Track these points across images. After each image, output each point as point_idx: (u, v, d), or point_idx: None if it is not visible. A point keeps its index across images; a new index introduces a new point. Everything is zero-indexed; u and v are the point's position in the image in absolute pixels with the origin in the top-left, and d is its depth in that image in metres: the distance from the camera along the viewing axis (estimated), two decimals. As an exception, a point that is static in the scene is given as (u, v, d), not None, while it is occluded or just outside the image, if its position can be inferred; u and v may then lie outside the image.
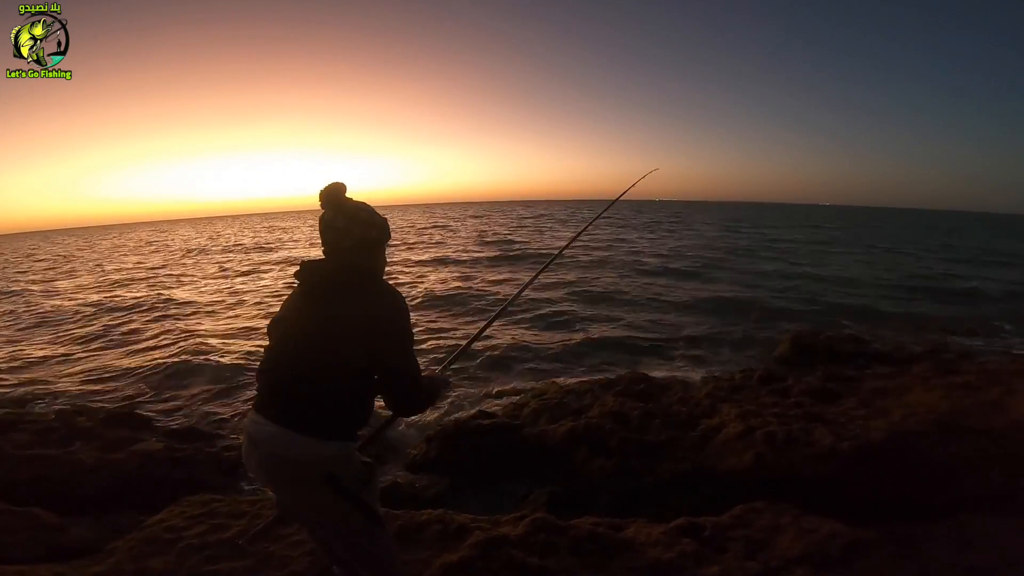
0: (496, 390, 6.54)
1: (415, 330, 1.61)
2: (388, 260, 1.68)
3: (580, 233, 3.53)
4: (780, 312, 11.17)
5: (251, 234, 49.01)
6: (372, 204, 1.56)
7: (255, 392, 1.54)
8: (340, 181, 1.51)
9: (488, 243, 27.32)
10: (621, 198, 3.92)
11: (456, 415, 5.36)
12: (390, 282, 1.58)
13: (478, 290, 13.99)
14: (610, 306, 11.83)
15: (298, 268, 1.53)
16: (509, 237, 30.71)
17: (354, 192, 1.52)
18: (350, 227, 1.49)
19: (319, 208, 1.50)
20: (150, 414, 5.79)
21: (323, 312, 1.44)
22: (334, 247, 1.51)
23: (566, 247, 3.32)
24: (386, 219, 1.59)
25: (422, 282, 15.42)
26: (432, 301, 12.56)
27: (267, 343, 1.57)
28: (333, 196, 1.49)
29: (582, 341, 8.88)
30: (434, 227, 43.30)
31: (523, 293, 2.49)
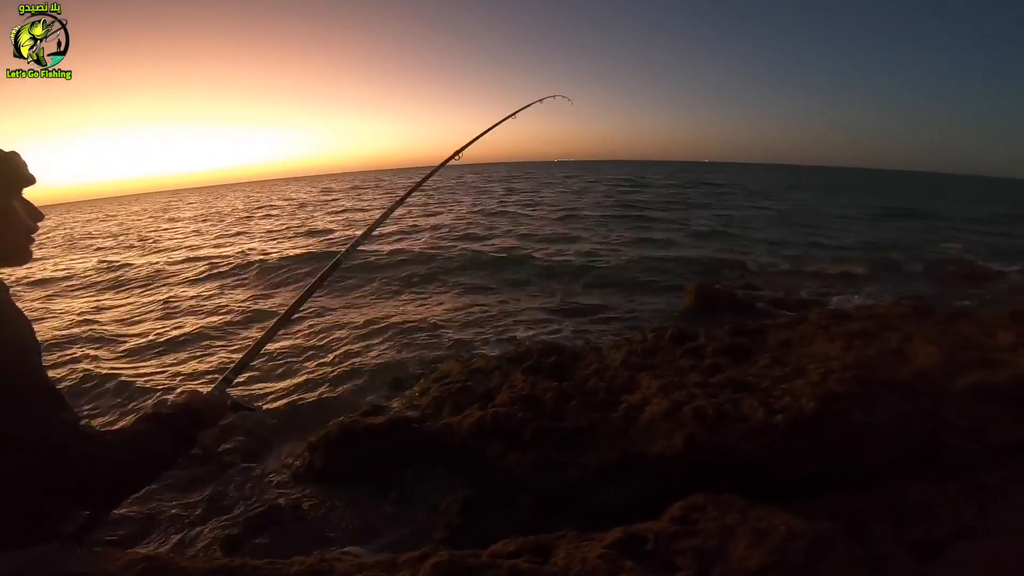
0: (389, 375, 5.67)
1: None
2: None
3: (413, 191, 2.40)
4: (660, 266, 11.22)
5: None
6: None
7: None
8: None
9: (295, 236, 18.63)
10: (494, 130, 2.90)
11: (345, 413, 4.47)
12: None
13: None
14: (512, 270, 11.18)
15: None
16: (330, 225, 21.19)
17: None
18: None
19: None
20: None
21: None
22: None
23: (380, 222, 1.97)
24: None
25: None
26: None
27: None
28: None
29: (476, 306, 8.21)
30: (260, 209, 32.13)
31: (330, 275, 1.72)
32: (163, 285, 11.27)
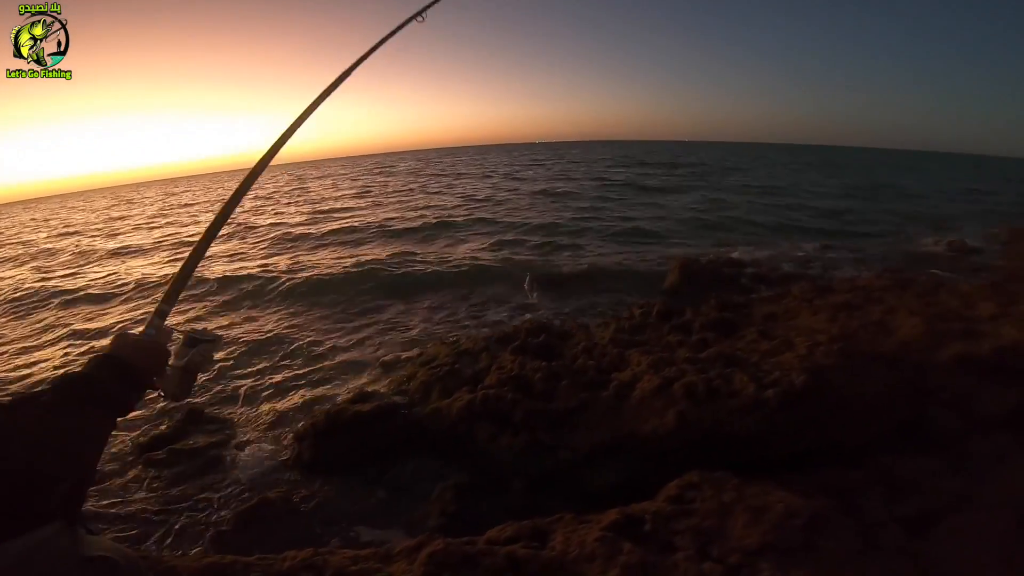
0: (376, 357, 5.56)
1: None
2: None
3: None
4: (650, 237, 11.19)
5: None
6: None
7: None
8: None
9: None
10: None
11: (332, 400, 4.37)
12: None
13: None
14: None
15: None
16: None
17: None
18: None
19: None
20: None
21: None
22: None
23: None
24: None
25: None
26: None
27: None
28: None
29: (460, 288, 8.11)
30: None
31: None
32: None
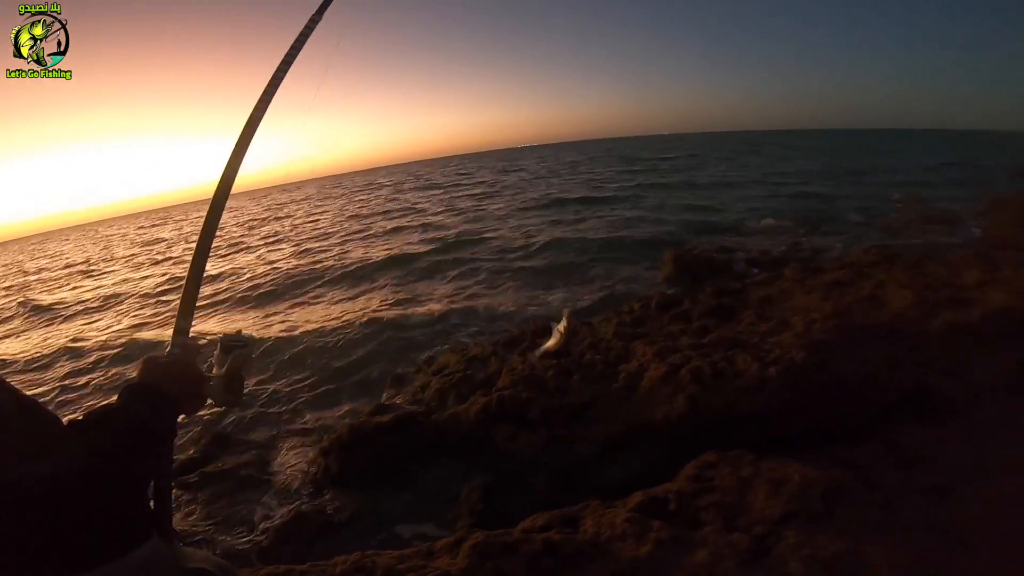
0: (386, 375, 5.63)
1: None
2: None
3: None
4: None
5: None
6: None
7: None
8: None
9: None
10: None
11: (351, 416, 4.47)
12: None
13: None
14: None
15: None
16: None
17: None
18: None
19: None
20: None
21: None
22: None
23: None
24: None
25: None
26: None
27: None
28: None
29: (456, 298, 8.19)
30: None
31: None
32: None
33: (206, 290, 11.03)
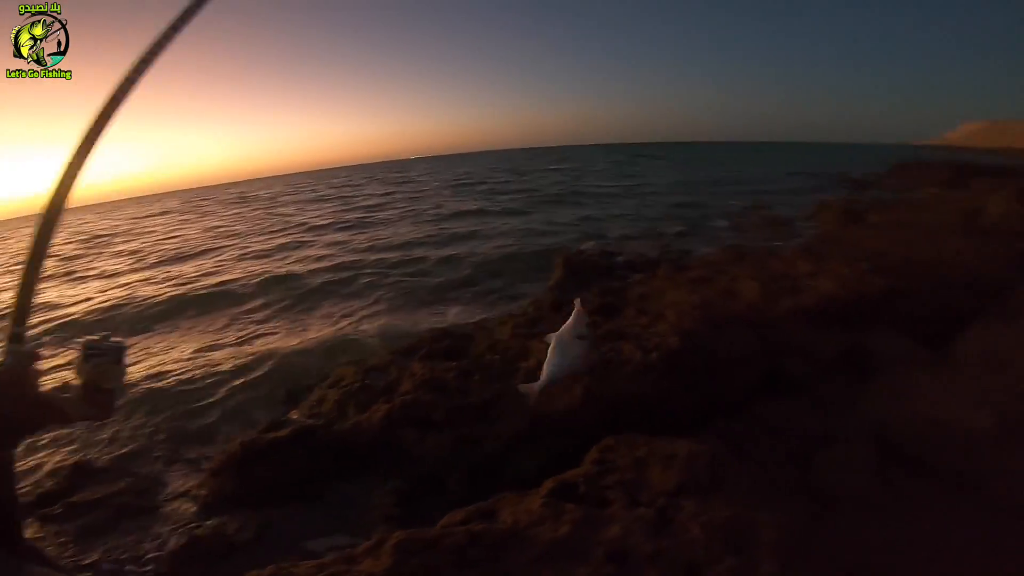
0: (279, 392, 5.31)
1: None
2: None
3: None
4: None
5: None
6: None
7: None
8: None
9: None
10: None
11: (240, 435, 4.16)
12: None
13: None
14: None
15: None
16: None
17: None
18: None
19: None
20: None
21: None
22: None
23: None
24: None
25: None
26: None
27: None
28: None
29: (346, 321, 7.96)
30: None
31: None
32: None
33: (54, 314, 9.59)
